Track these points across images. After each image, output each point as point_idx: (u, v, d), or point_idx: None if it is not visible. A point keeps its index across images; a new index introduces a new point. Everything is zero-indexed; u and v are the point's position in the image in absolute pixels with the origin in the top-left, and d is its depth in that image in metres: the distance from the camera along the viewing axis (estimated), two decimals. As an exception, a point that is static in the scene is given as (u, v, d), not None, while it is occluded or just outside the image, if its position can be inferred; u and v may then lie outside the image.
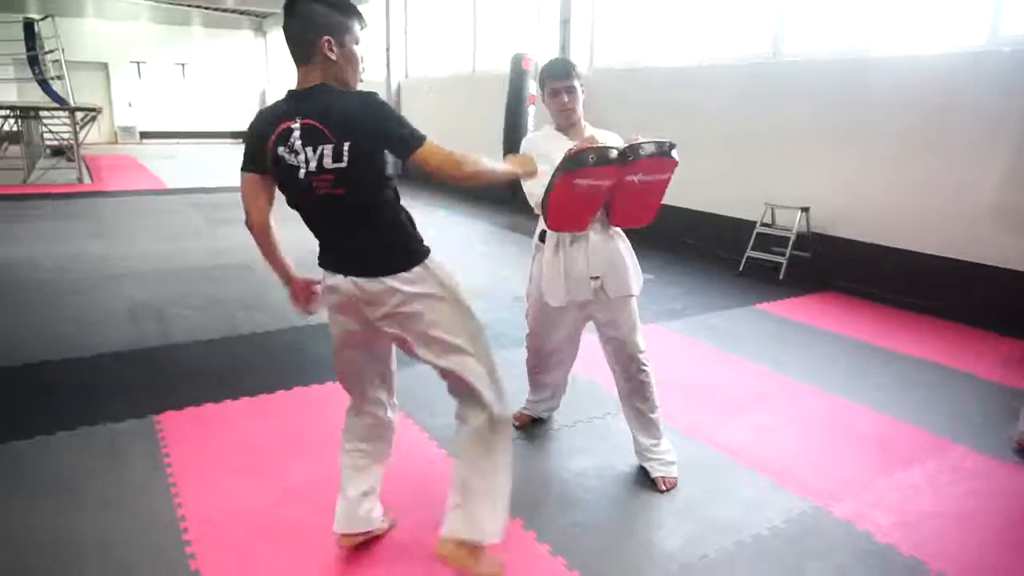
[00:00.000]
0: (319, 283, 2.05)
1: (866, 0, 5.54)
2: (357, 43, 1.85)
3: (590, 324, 2.74)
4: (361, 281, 1.88)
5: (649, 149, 2.34)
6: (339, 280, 1.92)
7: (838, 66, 5.59)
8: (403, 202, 1.94)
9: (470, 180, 1.84)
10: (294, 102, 1.81)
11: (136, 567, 2.11)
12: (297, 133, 1.77)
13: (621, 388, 2.72)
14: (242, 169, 1.92)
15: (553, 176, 2.28)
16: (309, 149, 1.76)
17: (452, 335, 1.93)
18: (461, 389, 2.00)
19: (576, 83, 2.53)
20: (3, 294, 4.83)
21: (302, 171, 1.78)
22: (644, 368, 2.63)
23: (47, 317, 4.38)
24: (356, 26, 1.85)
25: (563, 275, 2.54)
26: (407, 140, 1.78)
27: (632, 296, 2.62)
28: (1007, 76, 4.51)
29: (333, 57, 1.80)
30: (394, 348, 2.14)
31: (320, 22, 1.78)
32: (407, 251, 1.91)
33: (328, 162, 1.76)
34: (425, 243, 1.96)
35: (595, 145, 2.28)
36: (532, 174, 2.17)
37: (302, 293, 2.09)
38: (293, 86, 1.86)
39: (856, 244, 5.53)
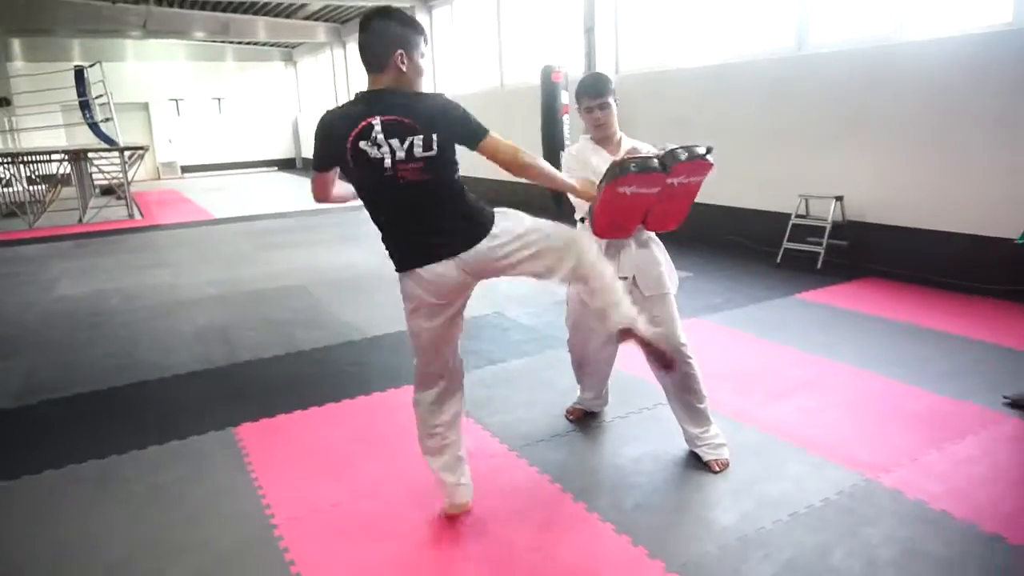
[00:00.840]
0: None
1: (887, -13, 5.59)
2: (423, 56, 2.11)
3: None
4: (465, 255, 2.11)
5: (686, 154, 2.46)
6: (437, 268, 2.12)
7: (863, 54, 5.65)
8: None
9: (525, 170, 2.15)
10: (370, 103, 2.05)
11: (236, 559, 2.31)
12: (379, 127, 2.00)
13: (666, 383, 2.82)
14: (315, 169, 2.20)
15: (599, 187, 2.44)
16: (395, 141, 2.00)
17: (541, 244, 2.18)
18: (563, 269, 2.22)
19: (610, 99, 2.69)
20: (80, 325, 5.16)
21: (387, 161, 2.01)
22: (689, 360, 2.75)
23: (123, 344, 4.68)
24: (423, 41, 2.10)
25: None
26: (476, 132, 2.08)
27: (667, 293, 2.74)
28: (1035, 53, 4.54)
29: (404, 68, 2.05)
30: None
31: (393, 37, 2.04)
32: (486, 218, 2.16)
33: (419, 151, 2.02)
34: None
35: (637, 155, 2.43)
36: (590, 199, 2.43)
37: None
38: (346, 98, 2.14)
39: (892, 229, 5.57)
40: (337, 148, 2.05)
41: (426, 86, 2.18)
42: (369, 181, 2.08)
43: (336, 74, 17.57)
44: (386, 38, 2.03)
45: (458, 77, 12.30)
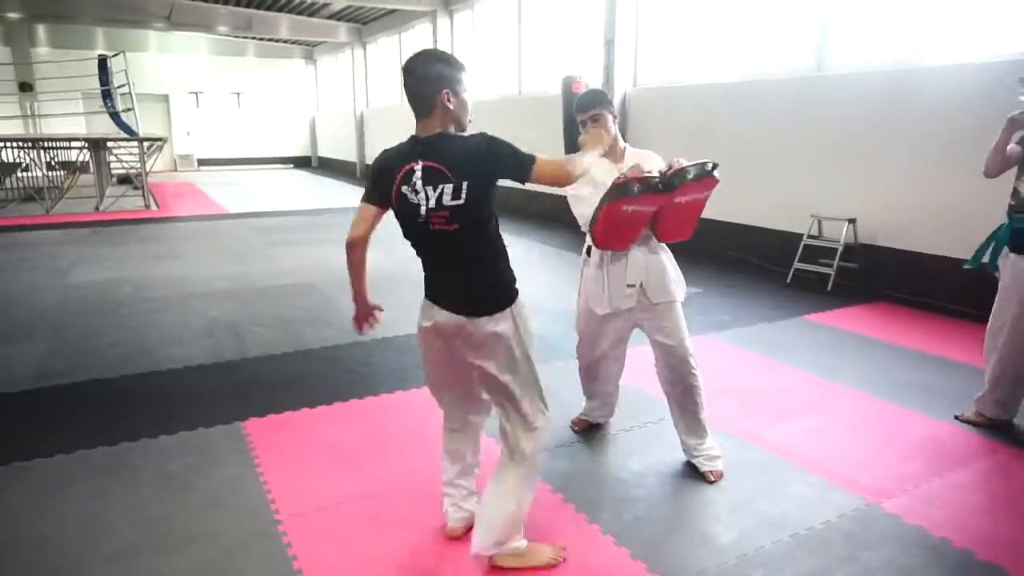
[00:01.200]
0: (382, 310, 2.32)
1: (909, 11, 5.61)
2: (466, 91, 2.11)
3: (636, 336, 2.92)
4: (461, 319, 2.12)
5: (691, 174, 2.56)
6: (440, 313, 2.15)
7: (882, 77, 5.67)
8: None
9: (572, 179, 2.13)
10: (418, 147, 2.07)
11: (240, 552, 2.34)
12: (419, 174, 2.03)
13: (670, 392, 2.88)
14: (363, 200, 2.17)
15: (601, 202, 2.52)
16: (429, 188, 2.02)
17: (508, 373, 2.17)
18: (511, 411, 2.23)
19: (602, 111, 2.73)
20: (92, 313, 5.22)
21: (423, 208, 2.03)
22: (694, 371, 2.81)
23: (134, 334, 4.73)
24: (464, 77, 2.11)
25: (607, 284, 2.75)
26: (523, 164, 2.04)
27: (675, 301, 2.80)
28: (1055, 84, 4.54)
29: (451, 106, 2.06)
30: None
31: (437, 78, 2.04)
32: (502, 292, 2.15)
33: (447, 199, 2.00)
34: (515, 283, 2.20)
35: (641, 175, 2.49)
36: (606, 145, 2.46)
37: (365, 315, 2.32)
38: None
39: (904, 254, 5.57)
40: (387, 185, 2.08)
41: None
42: (407, 223, 2.11)
43: (356, 74, 17.70)
44: (431, 80, 2.04)
45: (477, 82, 12.36)
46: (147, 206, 11.31)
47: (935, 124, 5.28)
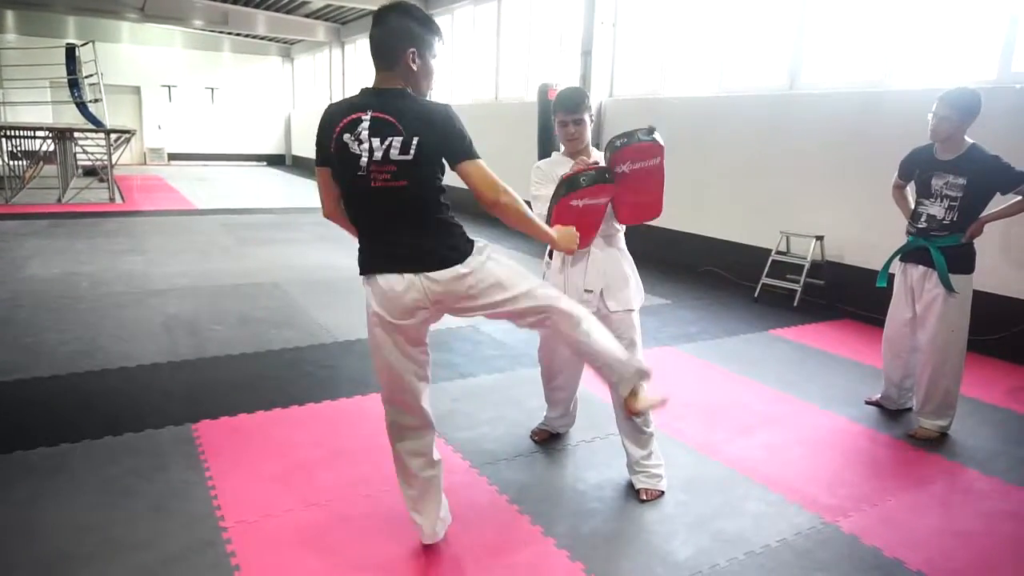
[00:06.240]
0: None
1: (880, 35, 5.70)
2: (435, 57, 2.02)
3: None
4: (432, 274, 2.01)
5: (624, 140, 2.52)
6: (394, 281, 2.00)
7: (852, 98, 5.74)
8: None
9: (499, 209, 2.00)
10: (369, 97, 1.97)
11: (181, 560, 2.25)
12: (366, 124, 1.93)
13: (616, 402, 2.79)
14: (316, 164, 2.09)
15: (551, 201, 2.49)
16: (376, 140, 1.92)
17: (517, 287, 2.11)
18: (543, 319, 2.17)
19: (585, 115, 2.71)
20: (46, 307, 5.05)
21: (363, 159, 1.93)
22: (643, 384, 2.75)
23: (88, 330, 4.58)
24: (437, 42, 2.02)
25: (565, 289, 2.70)
26: (464, 150, 1.96)
27: (632, 311, 2.76)
28: (1019, 112, 4.63)
29: (414, 67, 1.97)
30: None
31: (407, 34, 1.95)
32: (463, 243, 2.06)
33: (395, 153, 1.91)
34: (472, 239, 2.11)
35: (585, 166, 2.47)
36: (567, 251, 2.37)
37: None
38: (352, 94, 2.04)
39: (870, 273, 5.61)
40: (326, 138, 1.99)
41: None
42: (345, 179, 2.00)
43: (333, 74, 17.54)
44: (400, 34, 1.95)
45: (454, 87, 12.31)
46: (112, 199, 11.05)
47: (902, 146, 5.31)
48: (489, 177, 1.98)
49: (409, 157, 1.92)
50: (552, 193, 2.54)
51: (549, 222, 2.47)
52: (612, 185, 2.53)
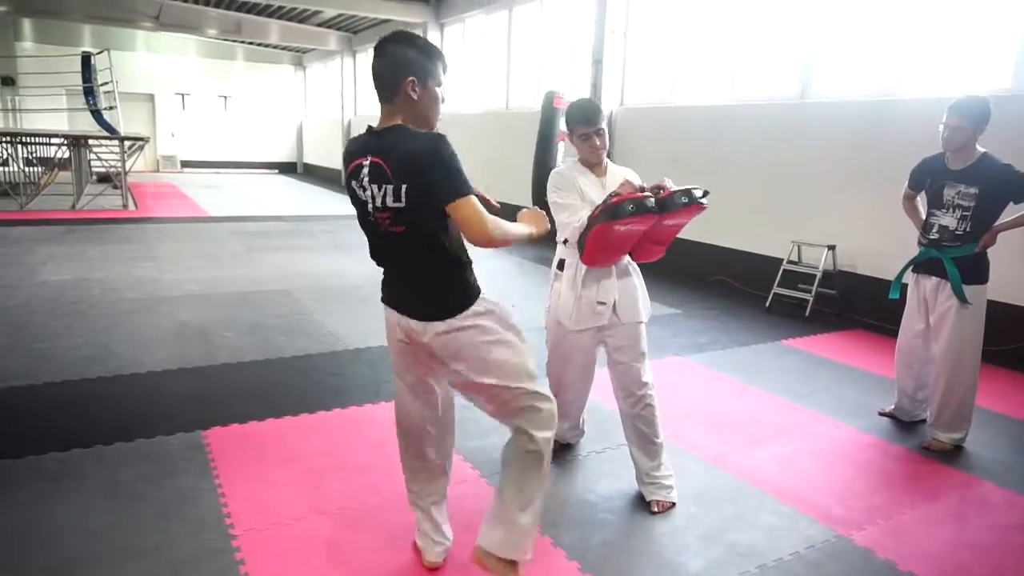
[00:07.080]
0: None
1: (892, 43, 5.68)
2: (439, 85, 1.97)
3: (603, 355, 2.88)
4: (412, 323, 2.03)
5: (686, 200, 2.53)
6: (393, 315, 2.10)
7: (863, 107, 5.71)
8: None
9: (492, 247, 1.95)
10: (371, 139, 1.96)
11: (189, 567, 2.25)
12: (366, 170, 1.93)
13: (625, 411, 2.83)
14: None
15: (594, 220, 2.49)
16: (375, 187, 1.92)
17: (482, 371, 2.01)
18: (500, 413, 2.10)
19: (604, 125, 2.72)
20: (59, 312, 5.08)
21: (369, 206, 1.95)
22: (649, 393, 2.77)
23: (100, 336, 4.61)
24: (440, 69, 1.97)
25: (580, 301, 2.71)
26: (453, 190, 1.84)
27: (642, 322, 2.78)
28: (1033, 120, 4.59)
29: (415, 96, 1.91)
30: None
31: (405, 63, 1.89)
32: (452, 298, 2.00)
33: (390, 200, 1.90)
34: (475, 286, 2.05)
35: (634, 195, 2.46)
36: (545, 231, 2.20)
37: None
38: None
39: (882, 282, 5.57)
40: (346, 181, 2.03)
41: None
42: (360, 219, 2.04)
43: (344, 82, 17.65)
44: (397, 64, 1.89)
45: (466, 96, 12.36)
46: (125, 206, 11.14)
47: (915, 154, 5.28)
48: (478, 217, 1.86)
49: (402, 204, 1.89)
50: (591, 211, 2.53)
51: (586, 237, 2.52)
52: (657, 215, 2.50)
